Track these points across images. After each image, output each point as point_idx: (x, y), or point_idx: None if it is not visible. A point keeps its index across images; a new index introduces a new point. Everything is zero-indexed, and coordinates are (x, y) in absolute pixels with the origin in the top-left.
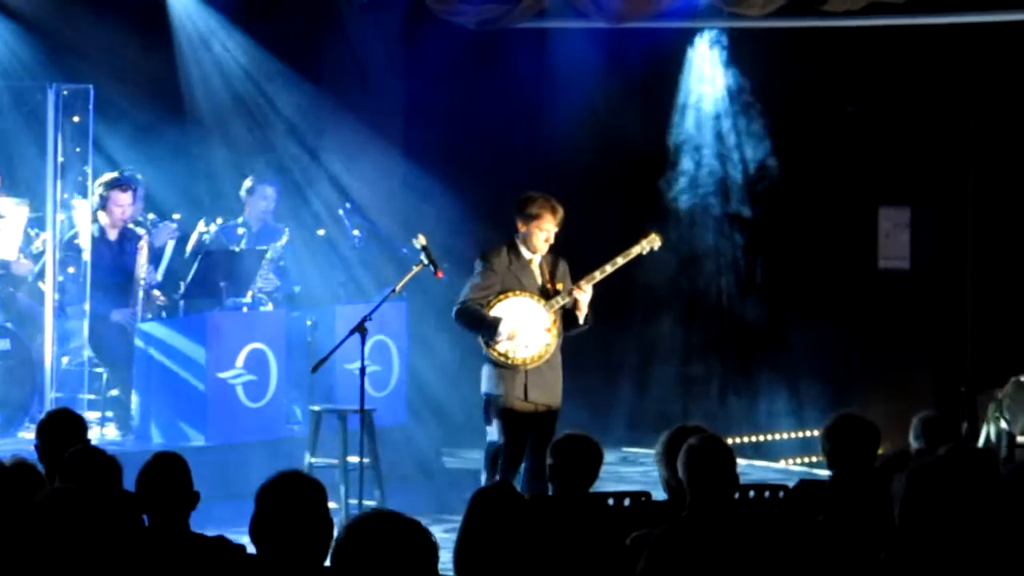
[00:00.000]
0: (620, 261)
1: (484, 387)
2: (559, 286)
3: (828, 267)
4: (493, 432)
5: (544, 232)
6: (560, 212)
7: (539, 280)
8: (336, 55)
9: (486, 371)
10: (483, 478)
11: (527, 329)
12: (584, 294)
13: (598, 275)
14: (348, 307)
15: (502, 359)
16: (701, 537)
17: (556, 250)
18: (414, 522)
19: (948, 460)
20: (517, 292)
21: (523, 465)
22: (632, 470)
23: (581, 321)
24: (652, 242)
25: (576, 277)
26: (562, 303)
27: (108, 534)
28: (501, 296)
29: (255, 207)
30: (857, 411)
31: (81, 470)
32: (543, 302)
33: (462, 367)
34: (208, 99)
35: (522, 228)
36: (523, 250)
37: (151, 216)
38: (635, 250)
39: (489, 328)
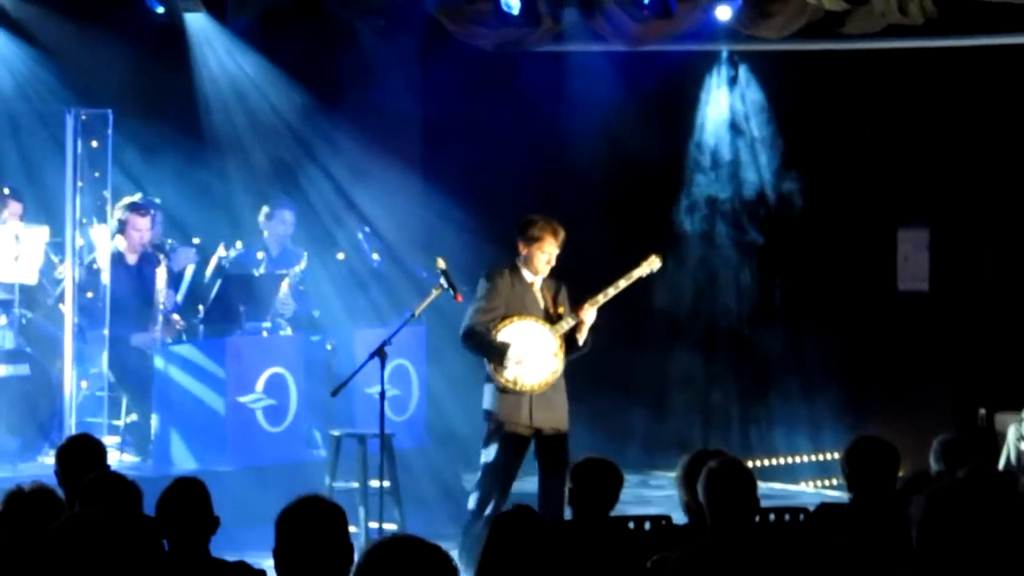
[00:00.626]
0: (622, 284)
1: (487, 404)
2: (560, 310)
3: (847, 289)
4: (490, 453)
5: (546, 254)
6: (562, 234)
7: (542, 304)
8: (354, 77)
9: (490, 389)
10: (472, 499)
11: (534, 354)
12: (588, 316)
13: (601, 298)
14: (368, 331)
15: (510, 385)
16: (721, 560)
17: (556, 273)
18: (434, 546)
19: (967, 482)
20: (523, 316)
21: (536, 490)
22: (653, 493)
23: (581, 343)
24: (652, 264)
25: (580, 299)
26: (568, 327)
27: (128, 559)
28: (507, 320)
29: (274, 231)
30: (876, 433)
31: (101, 495)
32: (548, 326)
33: (481, 391)
34: (226, 123)
35: (524, 250)
36: (525, 273)
37: (170, 241)
38: (636, 272)
39: (498, 353)
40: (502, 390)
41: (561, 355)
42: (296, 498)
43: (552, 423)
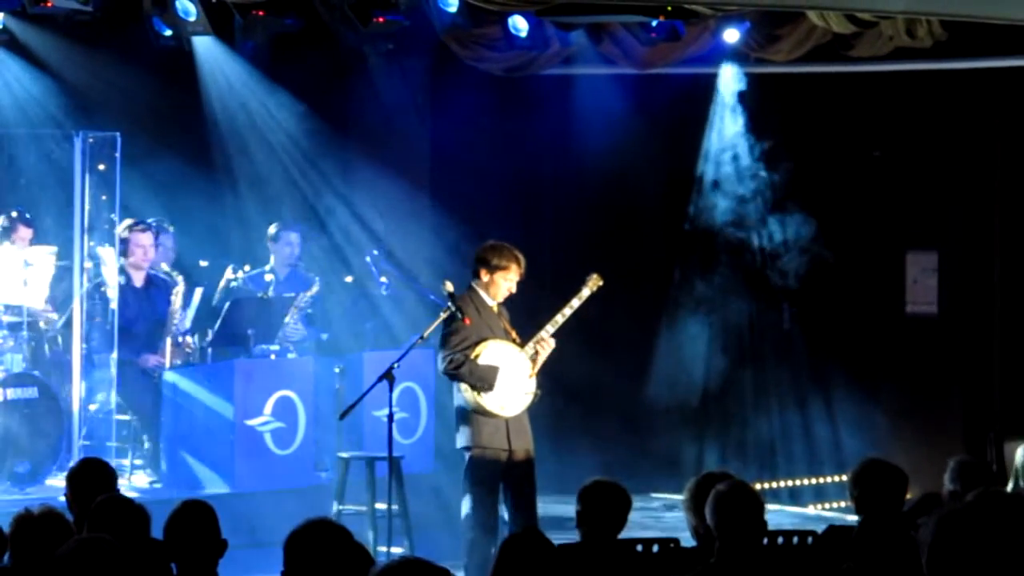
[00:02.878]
0: (568, 312)
1: (465, 441)
2: (513, 333)
3: (855, 312)
4: (480, 485)
5: (508, 283)
6: (523, 263)
7: (503, 326)
8: (362, 101)
9: (463, 428)
10: (467, 530)
11: (513, 376)
12: (549, 346)
13: (551, 327)
14: (376, 354)
15: (497, 411)
16: None
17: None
18: (443, 570)
19: (977, 505)
20: (495, 338)
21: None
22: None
23: (534, 386)
24: (596, 283)
25: (527, 325)
26: (531, 352)
27: None
28: (480, 344)
29: (280, 253)
30: (885, 456)
31: (109, 519)
32: (519, 348)
33: None
34: (234, 146)
35: (485, 276)
36: (484, 297)
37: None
38: (584, 293)
39: (489, 379)
40: (482, 414)
41: (535, 376)
42: (304, 521)
43: (525, 445)
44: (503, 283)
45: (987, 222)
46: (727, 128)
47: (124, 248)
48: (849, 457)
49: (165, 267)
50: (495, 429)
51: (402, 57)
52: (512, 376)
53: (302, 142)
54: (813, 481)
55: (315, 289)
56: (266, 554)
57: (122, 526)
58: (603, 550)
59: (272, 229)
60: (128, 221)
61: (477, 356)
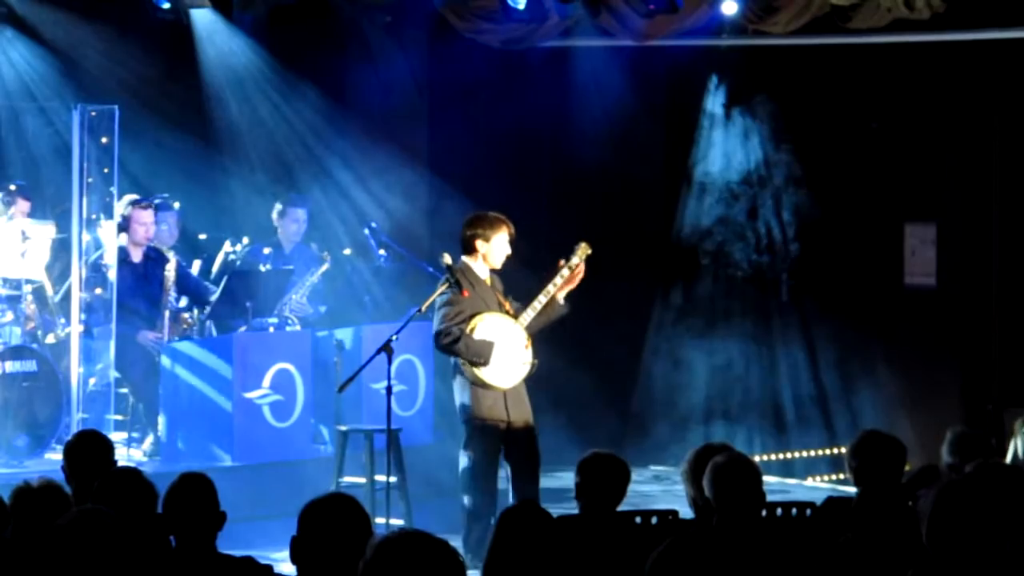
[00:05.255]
0: (559, 281)
1: (464, 399)
2: (507, 304)
3: (854, 284)
4: (477, 452)
5: (504, 245)
6: (511, 224)
7: (496, 298)
8: (360, 74)
9: (463, 383)
10: (467, 501)
11: (509, 349)
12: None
13: (543, 298)
14: (374, 327)
15: (493, 384)
16: (728, 554)
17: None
18: (442, 541)
19: (976, 477)
20: (489, 311)
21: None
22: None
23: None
24: (584, 251)
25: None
26: (531, 315)
27: (135, 555)
28: (475, 317)
29: (287, 229)
30: (884, 429)
31: (117, 491)
32: (514, 320)
33: None
34: (232, 119)
35: (483, 246)
36: (477, 270)
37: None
38: (574, 261)
39: (485, 353)
40: (480, 386)
41: (531, 347)
42: (324, 494)
43: (524, 416)
44: (500, 247)
45: (985, 194)
46: (724, 100)
47: (126, 225)
48: (848, 429)
49: (157, 244)
50: (494, 401)
51: (400, 29)
52: (508, 348)
53: (300, 115)
54: (811, 453)
55: (325, 267)
56: (265, 527)
57: (130, 499)
58: (602, 522)
59: (279, 205)
60: (129, 197)
61: (472, 329)
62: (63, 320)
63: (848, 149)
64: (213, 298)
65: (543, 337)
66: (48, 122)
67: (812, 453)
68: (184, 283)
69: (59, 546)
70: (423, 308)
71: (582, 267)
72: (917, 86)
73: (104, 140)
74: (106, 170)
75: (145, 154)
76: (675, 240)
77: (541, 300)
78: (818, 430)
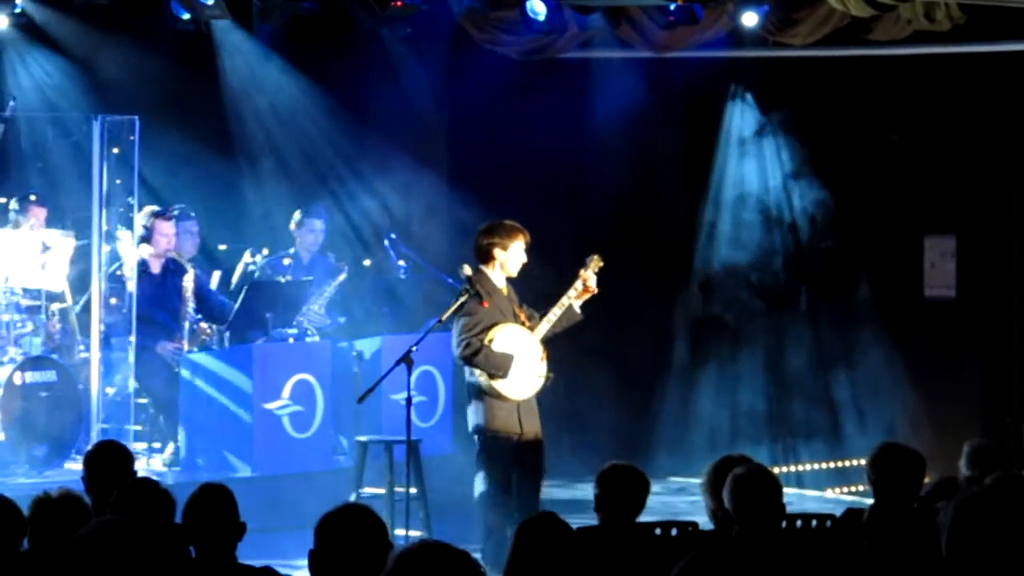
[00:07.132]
0: (572, 294)
1: (478, 420)
2: (522, 314)
3: (874, 296)
4: (494, 468)
5: (522, 254)
6: (527, 232)
7: (512, 308)
8: (380, 85)
9: (478, 405)
10: (484, 512)
11: (526, 360)
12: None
13: (558, 310)
14: (394, 337)
15: (513, 397)
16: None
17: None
18: (462, 552)
19: (996, 489)
20: (506, 322)
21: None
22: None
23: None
24: (597, 264)
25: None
26: (549, 325)
27: (155, 566)
28: (492, 328)
29: (304, 240)
30: (903, 441)
31: (135, 502)
32: (529, 330)
33: None
34: (252, 130)
35: (501, 255)
36: (494, 280)
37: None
38: (586, 275)
39: (505, 366)
40: (496, 398)
41: (545, 358)
42: (341, 504)
43: (534, 428)
44: (517, 255)
45: (1005, 206)
46: (744, 112)
47: (148, 236)
48: (867, 441)
49: (175, 255)
50: (508, 413)
51: (420, 41)
52: (525, 360)
53: (320, 126)
54: (831, 465)
55: (342, 277)
56: (284, 538)
57: (147, 510)
58: (621, 534)
59: (296, 215)
60: (149, 208)
61: (491, 340)
62: (82, 346)
63: (868, 161)
64: (231, 316)
65: (564, 349)
66: (66, 133)
67: (829, 464)
68: (204, 300)
69: (79, 557)
70: (443, 319)
71: (593, 280)
72: (937, 98)
73: (121, 150)
74: (118, 181)
75: (164, 165)
76: (694, 251)
77: (556, 312)
78: (836, 442)
